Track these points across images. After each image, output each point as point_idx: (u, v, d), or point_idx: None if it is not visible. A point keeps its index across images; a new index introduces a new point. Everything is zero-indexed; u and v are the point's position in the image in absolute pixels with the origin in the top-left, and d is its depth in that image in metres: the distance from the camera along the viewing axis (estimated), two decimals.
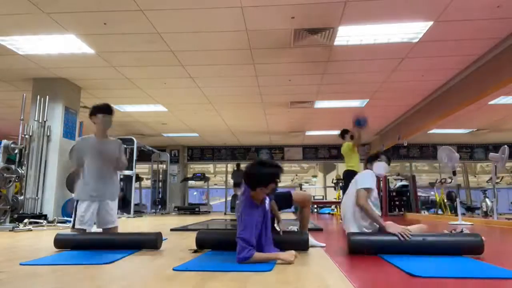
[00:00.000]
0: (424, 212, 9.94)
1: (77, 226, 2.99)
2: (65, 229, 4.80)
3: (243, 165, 10.91)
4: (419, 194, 10.58)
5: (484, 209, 8.97)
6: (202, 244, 2.67)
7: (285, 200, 2.96)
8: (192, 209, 11.48)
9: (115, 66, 5.92)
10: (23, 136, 6.04)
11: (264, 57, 5.56)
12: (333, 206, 11.24)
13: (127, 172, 8.83)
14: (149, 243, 2.73)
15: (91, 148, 3.13)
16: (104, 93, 7.29)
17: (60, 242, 2.74)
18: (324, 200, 11.77)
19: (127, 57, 5.54)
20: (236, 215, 2.48)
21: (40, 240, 3.62)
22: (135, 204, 9.64)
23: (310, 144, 13.27)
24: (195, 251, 2.61)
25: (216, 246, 2.67)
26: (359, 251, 2.51)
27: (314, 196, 13.75)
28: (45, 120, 6.29)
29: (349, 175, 5.11)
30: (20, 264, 2.17)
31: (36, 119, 6.28)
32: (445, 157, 6.24)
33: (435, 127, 9.38)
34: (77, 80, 6.63)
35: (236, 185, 10.03)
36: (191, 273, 1.91)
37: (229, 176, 13.81)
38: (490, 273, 1.89)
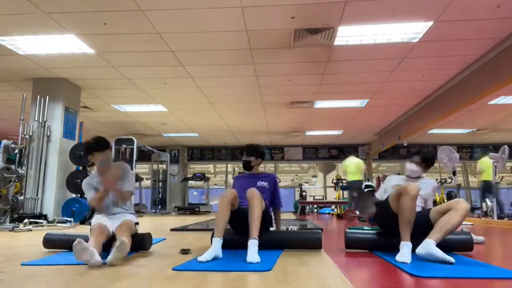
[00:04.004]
0: None
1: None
2: (65, 229, 4.80)
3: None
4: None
5: (484, 209, 8.97)
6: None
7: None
8: (192, 209, 11.48)
9: (115, 66, 5.92)
10: (23, 136, 6.05)
11: (264, 57, 5.56)
12: (333, 206, 11.23)
13: None
14: (137, 245, 2.62)
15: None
16: (104, 93, 7.30)
17: (49, 243, 2.71)
18: (324, 200, 11.76)
19: (127, 57, 5.54)
20: None
21: (40, 240, 3.61)
22: (135, 204, 9.65)
23: (310, 144, 13.26)
24: (184, 252, 2.60)
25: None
26: (354, 246, 2.68)
27: (314, 196, 13.77)
28: (45, 120, 6.29)
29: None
30: (21, 264, 2.16)
31: (36, 119, 6.28)
32: (445, 157, 6.24)
33: (435, 127, 9.35)
34: (77, 80, 6.63)
35: None
36: (191, 273, 1.91)
37: (229, 176, 13.81)
38: (490, 273, 1.89)
